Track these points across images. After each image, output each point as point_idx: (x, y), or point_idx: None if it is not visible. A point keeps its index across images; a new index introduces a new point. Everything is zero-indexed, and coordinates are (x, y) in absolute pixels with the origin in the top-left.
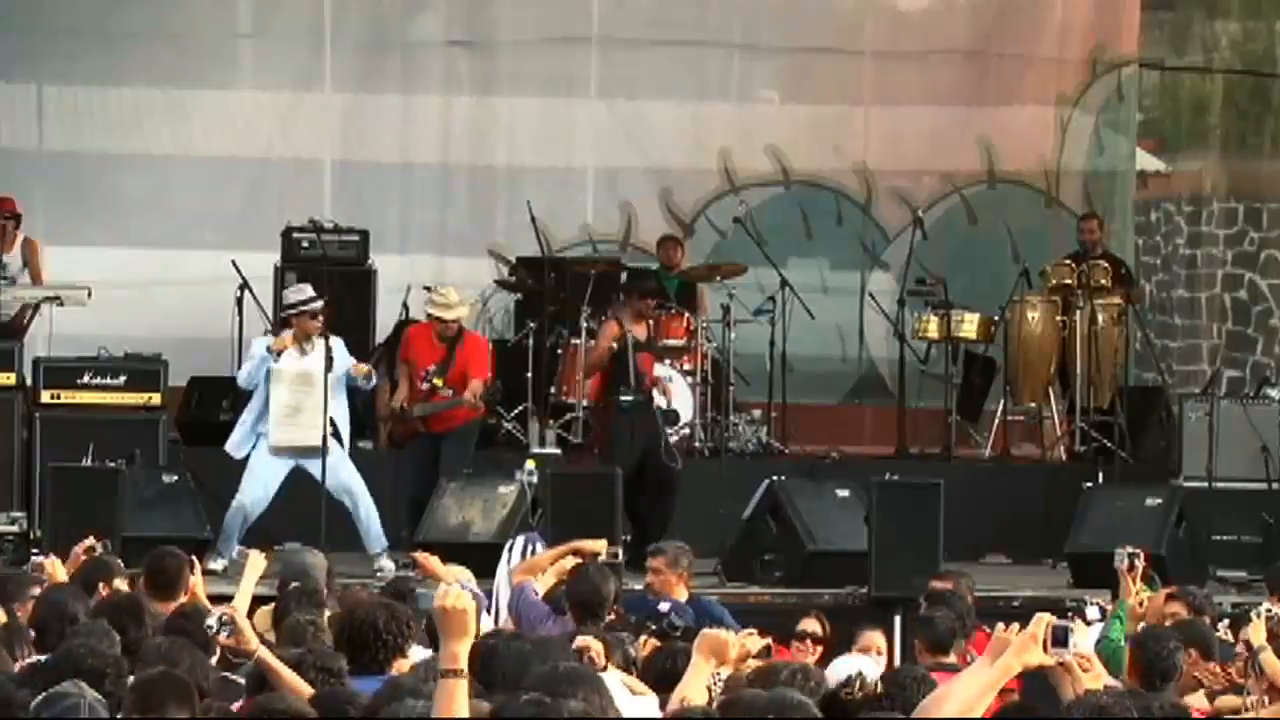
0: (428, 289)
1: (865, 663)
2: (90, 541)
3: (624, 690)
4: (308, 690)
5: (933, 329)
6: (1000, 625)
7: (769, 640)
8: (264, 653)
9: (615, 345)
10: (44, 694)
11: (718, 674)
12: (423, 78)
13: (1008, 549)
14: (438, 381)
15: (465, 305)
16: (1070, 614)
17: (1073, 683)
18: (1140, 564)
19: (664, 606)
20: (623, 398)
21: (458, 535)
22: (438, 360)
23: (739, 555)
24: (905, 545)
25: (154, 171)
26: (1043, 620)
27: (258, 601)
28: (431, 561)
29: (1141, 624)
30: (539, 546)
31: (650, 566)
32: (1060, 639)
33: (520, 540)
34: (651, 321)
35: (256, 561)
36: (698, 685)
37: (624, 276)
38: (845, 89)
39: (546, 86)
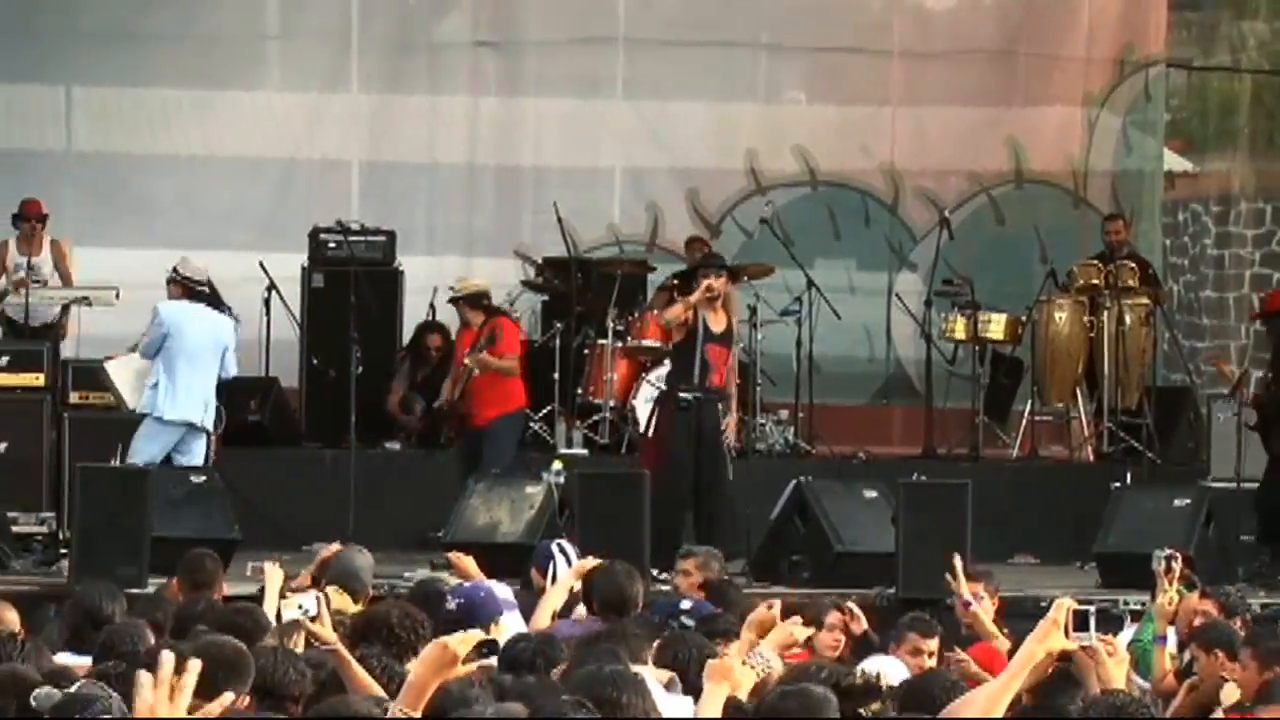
0: (452, 289)
1: (893, 664)
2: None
3: (659, 688)
4: (379, 691)
5: (960, 329)
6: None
7: (812, 630)
8: (341, 649)
9: (710, 294)
10: (67, 693)
11: (761, 654)
12: (449, 78)
13: (1036, 550)
14: (468, 361)
15: (475, 282)
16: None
17: (1097, 669)
18: (1178, 566)
19: (686, 604)
20: (681, 394)
21: (485, 535)
22: (469, 346)
23: (767, 556)
24: (933, 546)
25: (182, 172)
26: (1063, 605)
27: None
28: (466, 562)
29: (1171, 625)
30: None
31: (680, 569)
32: (1082, 624)
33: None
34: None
35: (274, 573)
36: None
37: (650, 277)
38: (873, 89)
39: (573, 87)
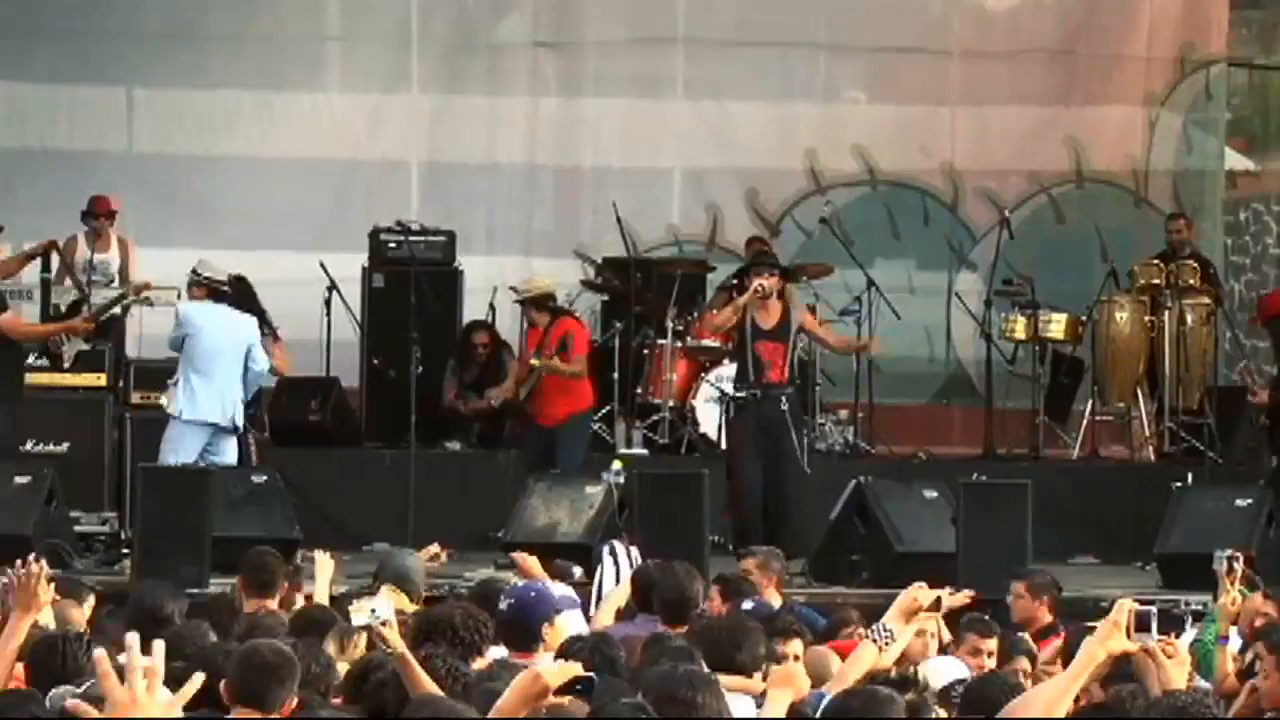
0: (513, 289)
1: (953, 664)
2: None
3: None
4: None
5: (1020, 329)
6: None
7: (939, 592)
8: (407, 654)
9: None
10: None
11: (886, 629)
12: (509, 79)
13: (1096, 550)
14: (534, 362)
15: (541, 280)
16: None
17: (1158, 670)
18: (1240, 566)
19: (747, 605)
20: (736, 393)
21: (545, 535)
22: (535, 346)
23: (827, 556)
24: (993, 546)
25: (242, 173)
26: (1125, 606)
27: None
28: (530, 562)
29: (1233, 626)
30: (634, 552)
31: (741, 569)
32: (1143, 624)
33: (614, 546)
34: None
35: (325, 562)
36: (776, 712)
37: (709, 277)
38: (932, 89)
39: (632, 87)
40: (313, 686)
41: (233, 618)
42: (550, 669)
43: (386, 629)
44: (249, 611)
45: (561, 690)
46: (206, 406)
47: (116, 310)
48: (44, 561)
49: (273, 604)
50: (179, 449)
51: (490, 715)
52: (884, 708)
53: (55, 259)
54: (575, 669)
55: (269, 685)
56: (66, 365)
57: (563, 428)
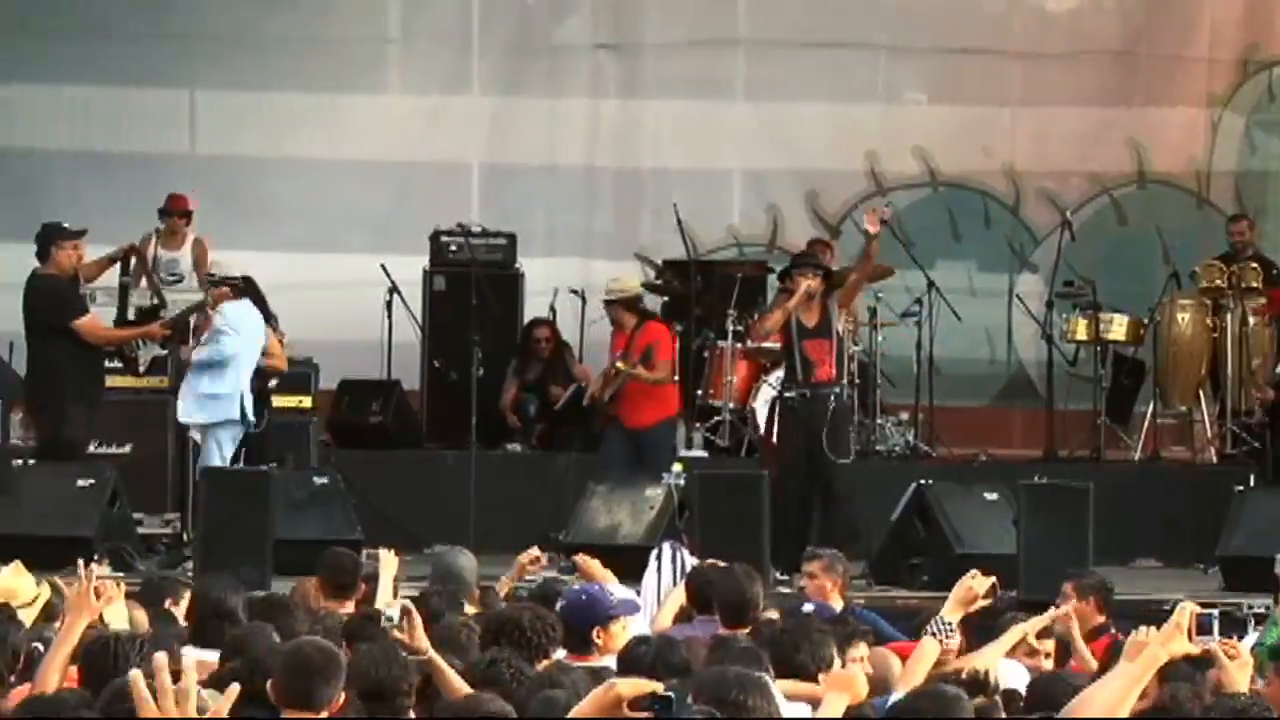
0: (573, 291)
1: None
2: (536, 552)
3: (779, 693)
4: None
5: (1082, 331)
6: (1141, 629)
7: (993, 579)
8: (434, 654)
9: (808, 293)
10: None
11: (945, 622)
12: (569, 81)
13: (1158, 553)
14: (620, 365)
15: (628, 281)
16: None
17: (1220, 673)
18: None
19: (807, 608)
20: (786, 393)
21: (606, 537)
22: (622, 348)
23: (887, 558)
24: (1054, 549)
25: (304, 175)
26: (1186, 608)
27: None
28: (592, 564)
29: None
30: (685, 554)
31: (806, 571)
32: (1205, 627)
33: (667, 548)
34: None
35: (389, 560)
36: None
37: (770, 279)
38: (993, 90)
39: (693, 89)
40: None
41: (287, 618)
42: (627, 682)
43: (404, 634)
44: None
45: (639, 708)
46: (245, 403)
47: (194, 317)
48: (95, 567)
49: (349, 606)
50: (224, 449)
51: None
52: (952, 707)
53: (134, 261)
54: (653, 686)
55: (314, 685)
56: (141, 370)
57: (650, 433)
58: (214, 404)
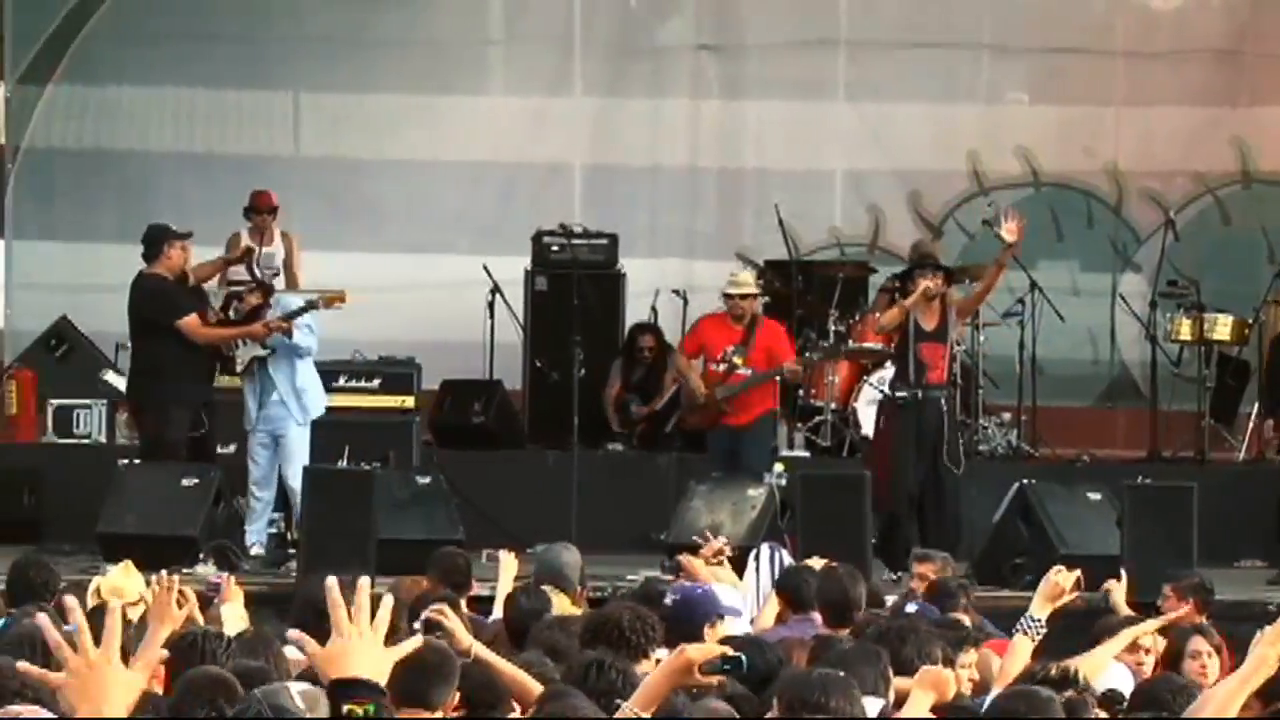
0: (675, 291)
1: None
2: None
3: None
4: (534, 686)
5: (1185, 331)
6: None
7: (1078, 572)
8: (480, 649)
9: (928, 293)
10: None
11: (1035, 619)
12: (671, 81)
13: (1263, 553)
14: (737, 360)
15: (756, 286)
16: None
17: None
18: None
19: (911, 608)
20: (899, 394)
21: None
22: (736, 342)
23: (990, 559)
24: (1158, 549)
25: (407, 176)
26: None
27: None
28: (696, 564)
29: None
30: (784, 555)
31: (917, 573)
32: None
33: (765, 549)
34: (944, 310)
35: (509, 562)
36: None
37: (871, 279)
38: (1096, 89)
39: (794, 89)
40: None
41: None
42: (697, 647)
43: (448, 633)
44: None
45: (711, 670)
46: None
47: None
48: (177, 574)
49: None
50: (307, 449)
51: (640, 689)
52: (1045, 708)
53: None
54: (723, 649)
55: (430, 684)
56: (239, 370)
57: (752, 427)
58: (310, 399)
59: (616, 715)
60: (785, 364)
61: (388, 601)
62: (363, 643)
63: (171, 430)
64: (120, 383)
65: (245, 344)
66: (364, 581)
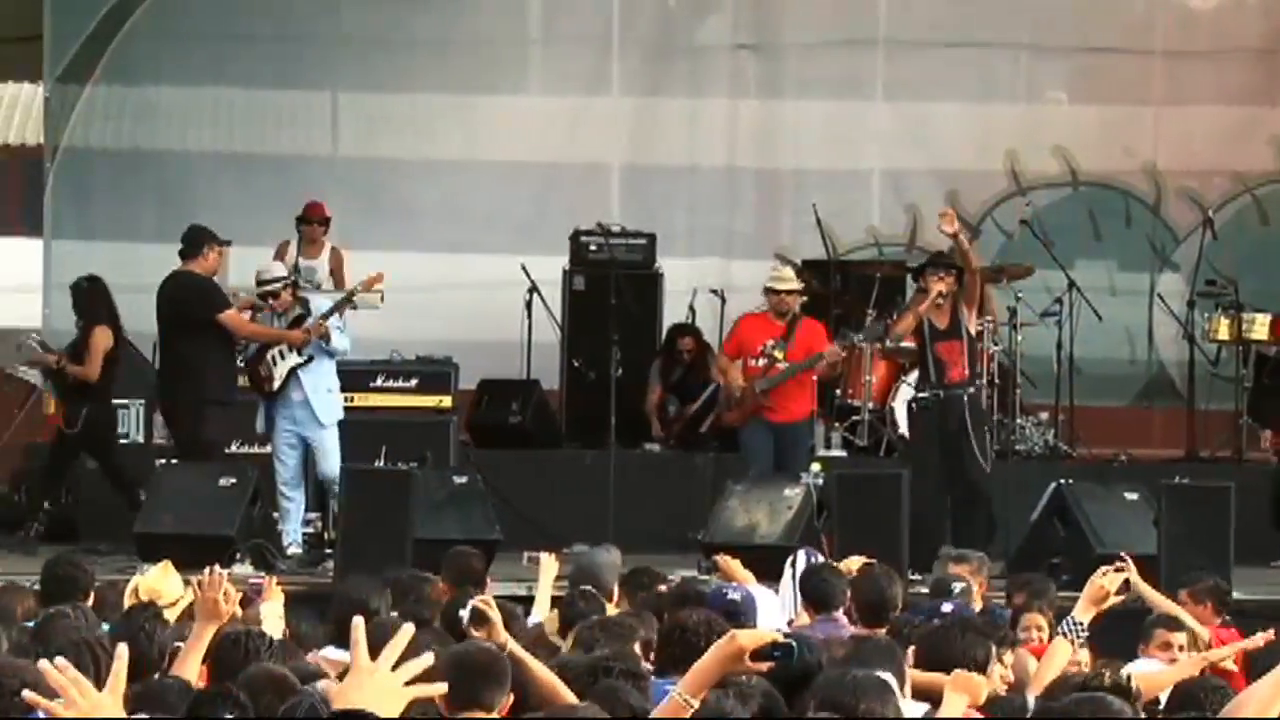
0: (713, 291)
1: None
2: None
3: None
4: (563, 688)
5: (1224, 331)
6: None
7: (1127, 575)
8: (515, 647)
9: (939, 298)
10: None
11: (1077, 622)
12: (709, 81)
13: None
14: (777, 354)
15: (798, 282)
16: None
17: None
18: None
19: (947, 607)
20: (919, 394)
21: (744, 537)
22: (776, 337)
23: (1026, 558)
24: (1195, 549)
25: (445, 176)
26: None
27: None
28: (734, 565)
29: None
30: (819, 559)
31: (953, 572)
32: None
33: (801, 555)
34: (955, 308)
35: (549, 564)
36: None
37: (909, 279)
38: (1134, 89)
39: (833, 89)
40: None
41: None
42: (747, 633)
43: (483, 630)
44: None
45: (760, 657)
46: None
47: (337, 315)
48: (224, 571)
49: None
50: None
51: (690, 673)
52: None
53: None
54: (773, 635)
55: (486, 685)
56: (276, 387)
57: (797, 426)
58: (336, 399)
59: (667, 699)
60: (827, 350)
61: (408, 629)
62: (377, 679)
63: (207, 429)
64: (35, 376)
65: (282, 359)
66: (408, 628)
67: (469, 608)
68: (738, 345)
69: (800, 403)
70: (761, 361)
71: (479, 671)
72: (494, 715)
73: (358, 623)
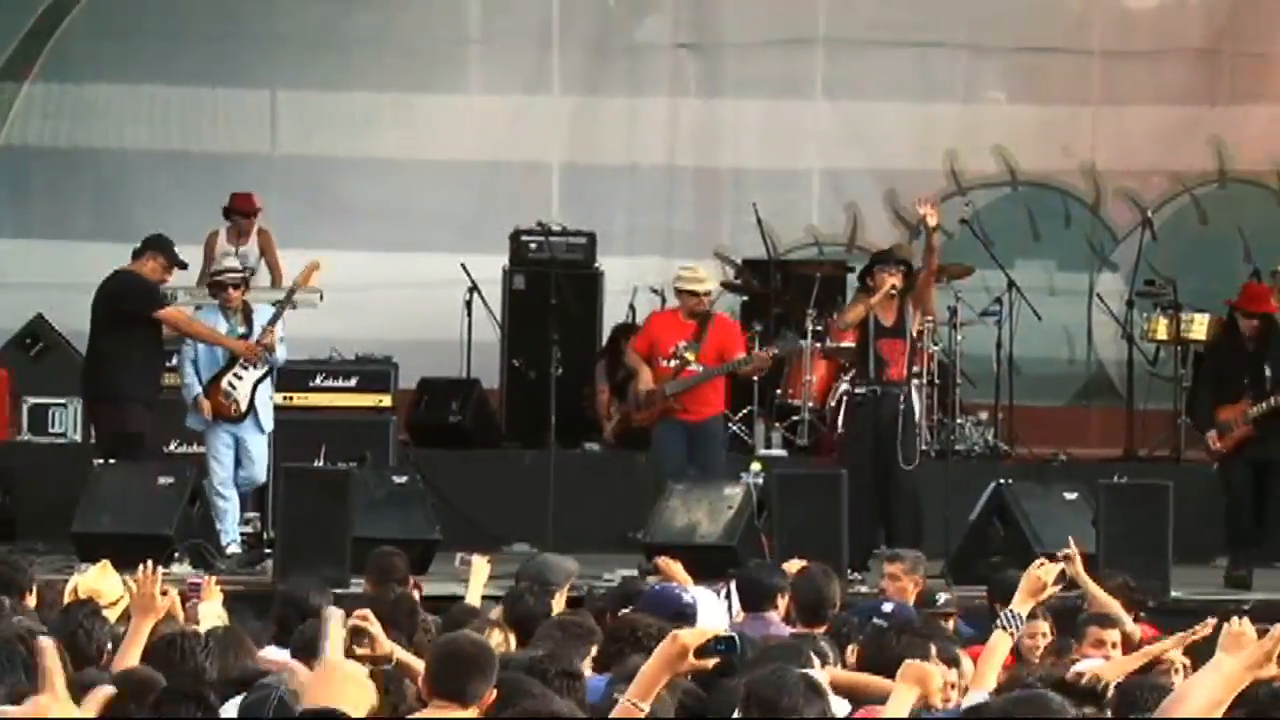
0: (653, 290)
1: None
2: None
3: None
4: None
5: (1162, 330)
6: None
7: (1061, 565)
8: (402, 654)
9: (894, 291)
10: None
11: (1015, 614)
12: (649, 80)
13: None
14: (689, 355)
15: (714, 282)
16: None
17: None
18: None
19: (887, 607)
20: (858, 390)
21: (684, 537)
22: (688, 337)
23: (966, 558)
24: (1134, 548)
25: (384, 175)
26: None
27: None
28: (674, 567)
29: None
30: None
31: (888, 572)
32: None
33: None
34: (901, 306)
35: (480, 566)
36: (899, 708)
37: (849, 278)
38: (1073, 89)
39: (772, 88)
40: None
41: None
42: (688, 631)
43: (373, 639)
44: None
45: (705, 654)
46: None
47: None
48: (159, 567)
49: None
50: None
51: (635, 680)
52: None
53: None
54: (714, 630)
55: (469, 677)
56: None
57: (709, 424)
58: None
59: (616, 707)
60: (736, 357)
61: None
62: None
63: (131, 424)
64: None
65: (239, 379)
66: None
67: (348, 626)
68: (648, 344)
69: (711, 402)
70: (673, 363)
71: (466, 661)
72: (471, 713)
73: (333, 613)
